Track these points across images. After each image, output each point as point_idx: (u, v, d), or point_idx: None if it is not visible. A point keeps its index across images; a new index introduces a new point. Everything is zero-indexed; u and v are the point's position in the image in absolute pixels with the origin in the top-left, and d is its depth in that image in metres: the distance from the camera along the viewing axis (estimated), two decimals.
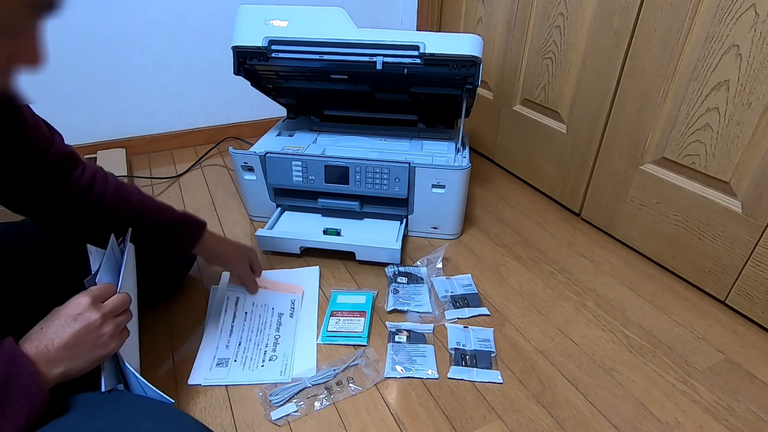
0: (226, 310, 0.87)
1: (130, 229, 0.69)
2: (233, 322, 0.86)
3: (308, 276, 0.99)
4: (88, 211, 0.68)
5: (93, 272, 0.60)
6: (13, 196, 0.64)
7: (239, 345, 0.82)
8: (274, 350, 0.81)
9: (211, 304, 0.91)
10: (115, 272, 0.64)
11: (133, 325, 0.64)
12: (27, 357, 0.48)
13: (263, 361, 0.79)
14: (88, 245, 0.62)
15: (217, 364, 0.78)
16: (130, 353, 0.63)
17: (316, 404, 0.72)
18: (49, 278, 0.69)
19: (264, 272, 0.93)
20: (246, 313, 0.87)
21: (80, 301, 0.53)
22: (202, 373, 0.77)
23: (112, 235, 0.65)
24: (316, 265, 1.02)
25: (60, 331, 0.51)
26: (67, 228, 0.70)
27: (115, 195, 0.70)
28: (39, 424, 0.47)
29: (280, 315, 0.88)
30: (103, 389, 0.56)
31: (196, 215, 0.81)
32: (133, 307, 0.64)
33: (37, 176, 0.63)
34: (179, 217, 0.78)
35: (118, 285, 0.60)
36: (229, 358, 0.79)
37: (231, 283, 0.91)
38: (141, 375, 0.58)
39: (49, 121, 0.66)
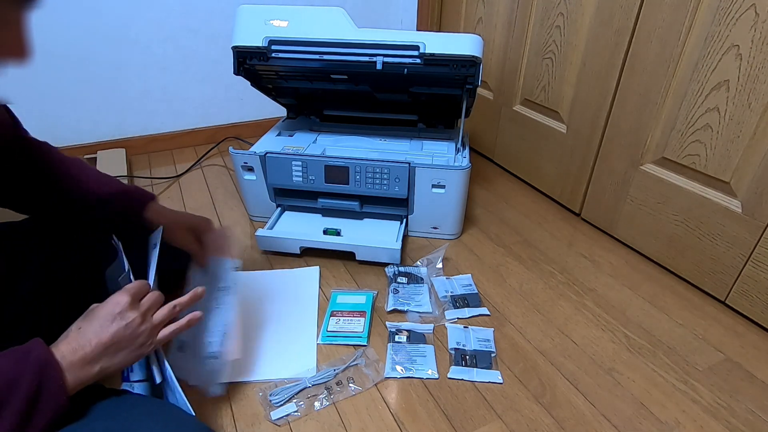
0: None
1: (161, 227, 0.68)
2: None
3: (308, 276, 0.99)
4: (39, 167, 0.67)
5: (125, 268, 0.59)
6: None
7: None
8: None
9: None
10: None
11: None
12: (57, 365, 0.47)
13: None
14: (114, 238, 0.62)
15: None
16: None
17: (316, 404, 0.72)
18: (49, 278, 0.69)
19: (262, 272, 0.90)
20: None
21: (120, 300, 0.53)
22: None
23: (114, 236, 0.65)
24: (316, 265, 1.02)
25: (99, 332, 0.51)
26: (60, 223, 0.70)
27: (63, 159, 0.70)
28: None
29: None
30: (157, 381, 0.57)
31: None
32: None
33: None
34: (125, 186, 0.76)
35: (150, 282, 0.59)
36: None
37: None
38: None
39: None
